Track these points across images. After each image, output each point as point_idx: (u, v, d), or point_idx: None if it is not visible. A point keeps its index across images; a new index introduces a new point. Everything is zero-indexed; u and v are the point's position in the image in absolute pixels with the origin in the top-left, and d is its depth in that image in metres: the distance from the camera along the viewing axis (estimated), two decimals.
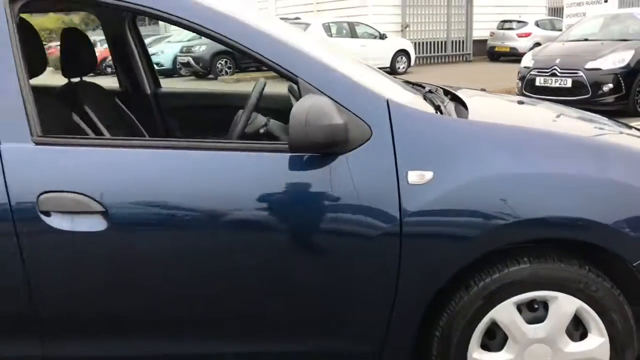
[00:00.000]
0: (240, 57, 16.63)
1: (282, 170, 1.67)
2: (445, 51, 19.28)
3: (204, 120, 2.98)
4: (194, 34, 16.69)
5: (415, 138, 1.69)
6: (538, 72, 8.39)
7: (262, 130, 2.03)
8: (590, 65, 7.93)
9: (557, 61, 8.25)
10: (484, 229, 1.66)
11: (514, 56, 18.10)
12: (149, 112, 3.01)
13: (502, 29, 19.34)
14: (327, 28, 15.20)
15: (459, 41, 19.60)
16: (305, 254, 1.72)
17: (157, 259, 1.68)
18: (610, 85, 7.77)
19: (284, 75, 1.72)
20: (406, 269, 1.69)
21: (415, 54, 17.14)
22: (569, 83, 8.00)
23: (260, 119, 2.09)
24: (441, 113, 1.86)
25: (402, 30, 18.10)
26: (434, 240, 1.69)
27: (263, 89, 2.07)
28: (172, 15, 1.68)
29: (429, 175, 1.65)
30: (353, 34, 15.55)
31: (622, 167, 1.79)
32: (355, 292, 1.73)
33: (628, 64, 7.79)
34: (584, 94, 7.81)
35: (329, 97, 1.61)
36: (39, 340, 1.74)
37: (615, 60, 7.86)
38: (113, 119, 2.60)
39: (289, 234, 1.70)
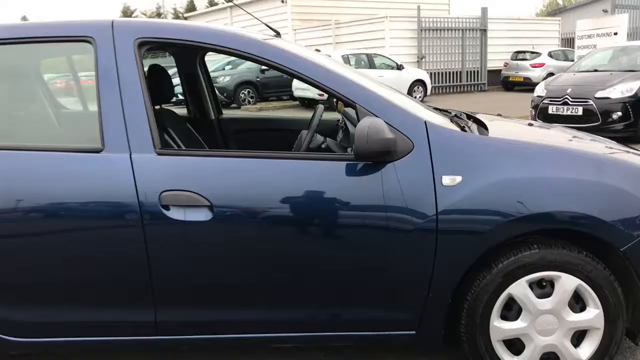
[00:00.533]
0: (262, 87, 17.40)
1: (344, 174, 2.17)
2: (460, 81, 19.83)
3: (257, 141, 3.51)
4: (217, 67, 17.54)
5: (447, 150, 2.19)
6: (550, 100, 8.87)
7: (323, 146, 2.53)
8: (600, 94, 8.40)
9: (569, 90, 8.73)
10: (501, 222, 2.14)
11: (528, 86, 18.64)
12: (213, 134, 3.54)
13: (516, 59, 19.92)
14: (346, 59, 15.83)
15: (474, 71, 20.15)
16: (362, 241, 2.20)
17: (250, 242, 2.17)
18: (619, 113, 8.22)
19: (344, 101, 2.24)
20: (440, 254, 2.16)
21: (432, 83, 17.68)
22: (579, 111, 8.46)
23: (319, 137, 2.60)
24: (466, 132, 2.36)
25: (418, 61, 18.71)
26: (462, 230, 2.16)
27: (322, 113, 2.58)
28: (266, 59, 2.23)
29: (458, 179, 2.14)
30: (371, 65, 16.15)
31: (616, 174, 2.26)
32: (402, 273, 2.21)
33: (635, 94, 8.24)
34: (594, 122, 8.26)
35: (381, 118, 2.11)
36: (153, 309, 2.23)
37: (624, 89, 8.32)
38: (186, 139, 3.12)
39: (348, 226, 2.18)
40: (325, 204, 2.17)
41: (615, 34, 12.78)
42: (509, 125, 2.95)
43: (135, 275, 2.19)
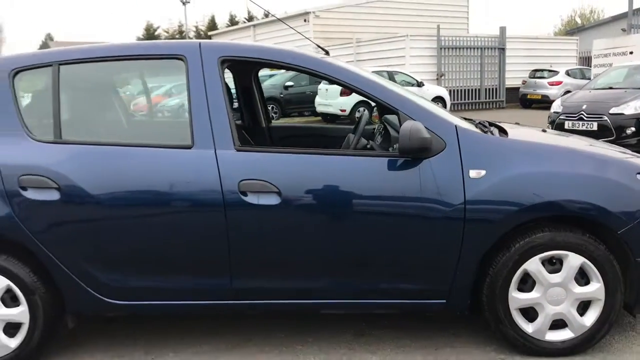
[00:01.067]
0: (285, 103, 18.01)
1: (386, 168, 2.65)
2: (479, 98, 20.29)
3: (301, 146, 4.01)
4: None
5: (474, 148, 2.66)
6: (566, 116, 9.29)
7: (368, 146, 3.02)
8: (614, 110, 8.81)
9: (584, 107, 9.15)
10: (518, 209, 2.60)
11: (546, 103, 18.98)
12: (264, 140, 4.06)
13: (534, 77, 20.32)
14: None
15: (492, 89, 20.60)
16: (401, 225, 2.67)
17: (311, 223, 2.66)
18: (633, 129, 8.61)
19: (389, 108, 2.73)
20: (467, 236, 2.63)
21: (451, 100, 18.15)
22: (594, 127, 8.87)
23: (363, 140, 3.09)
24: (488, 134, 2.84)
25: (437, 79, 19.21)
26: (485, 216, 2.62)
27: (367, 119, 3.08)
28: (329, 75, 2.75)
29: (483, 172, 2.61)
30: (392, 82, 16.66)
31: (615, 171, 2.72)
32: (435, 252, 2.67)
33: None
34: (609, 137, 8.64)
35: (420, 123, 2.60)
36: (229, 278, 2.72)
37: (637, 106, 8.71)
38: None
39: (390, 212, 2.66)
40: (371, 193, 2.65)
41: (631, 53, 13.18)
42: (526, 130, 3.42)
43: (217, 249, 2.68)
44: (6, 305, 2.75)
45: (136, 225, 2.69)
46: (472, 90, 20.20)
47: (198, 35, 48.39)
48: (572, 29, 34.97)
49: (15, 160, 2.68)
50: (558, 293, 2.69)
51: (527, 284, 2.71)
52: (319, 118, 17.31)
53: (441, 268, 2.71)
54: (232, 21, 47.09)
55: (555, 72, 19.94)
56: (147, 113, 3.20)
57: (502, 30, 20.48)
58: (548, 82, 19.71)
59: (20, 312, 2.74)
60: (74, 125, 2.84)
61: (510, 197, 2.61)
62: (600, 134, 8.76)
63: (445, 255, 2.68)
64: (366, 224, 2.67)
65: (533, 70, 20.57)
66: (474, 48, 20.16)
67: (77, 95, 2.94)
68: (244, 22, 41.52)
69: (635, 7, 18.92)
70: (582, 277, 2.70)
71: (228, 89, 3.20)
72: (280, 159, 2.70)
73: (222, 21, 49.00)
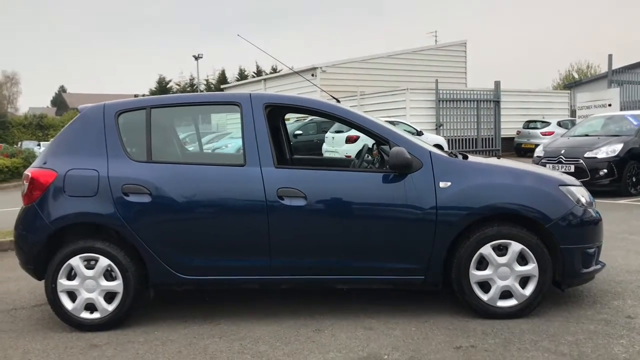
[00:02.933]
0: (294, 150, 19.20)
1: (381, 181, 3.77)
2: (476, 147, 21.49)
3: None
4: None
5: (443, 167, 3.78)
6: (547, 160, 10.45)
7: (369, 167, 4.14)
8: (588, 154, 9.98)
9: (562, 152, 10.32)
10: (473, 208, 3.70)
11: None
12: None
13: (528, 127, 21.56)
14: None
15: (488, 138, 21.82)
16: (392, 222, 3.76)
17: (329, 219, 3.76)
18: (605, 170, 9.75)
19: (382, 138, 3.88)
20: (439, 229, 3.72)
21: (449, 148, 19.30)
22: (572, 169, 10.00)
23: (364, 163, 4.22)
24: (454, 157, 3.97)
25: (436, 129, 20.48)
26: (451, 214, 3.72)
27: (368, 149, 4.22)
28: (342, 117, 3.93)
29: (449, 183, 3.73)
30: None
31: (544, 183, 3.83)
32: (416, 241, 3.76)
33: (618, 154, 9.81)
34: (584, 177, 9.75)
35: (404, 148, 3.73)
36: (268, 258, 3.80)
37: (608, 150, 9.89)
38: None
39: (384, 212, 3.76)
40: (371, 198, 3.77)
41: (609, 105, 14.45)
42: (483, 158, 4.56)
43: (261, 238, 3.77)
44: (107, 280, 3.83)
45: (203, 220, 3.80)
46: (469, 139, 21.39)
47: (209, 88, 50.39)
48: (570, 83, 36.54)
49: (120, 174, 3.82)
50: (505, 271, 3.75)
51: (482, 264, 3.77)
52: None
53: (420, 253, 3.78)
54: (242, 75, 49.23)
55: (548, 123, 21.17)
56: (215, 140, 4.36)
57: (497, 84, 21.90)
58: (541, 132, 20.90)
59: (117, 284, 3.82)
60: (161, 150, 4.01)
61: (467, 201, 3.71)
62: (576, 175, 9.86)
63: (424, 243, 3.75)
64: (367, 220, 3.76)
65: (527, 122, 21.82)
66: (470, 100, 21.51)
67: (163, 129, 4.14)
68: (253, 76, 43.47)
69: (621, 65, 20.53)
70: (522, 260, 3.76)
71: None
72: (306, 174, 3.85)
73: (231, 75, 51.29)
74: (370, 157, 4.52)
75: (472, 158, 4.19)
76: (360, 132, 3.98)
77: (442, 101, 20.86)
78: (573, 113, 24.84)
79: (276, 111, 4.97)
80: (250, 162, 3.81)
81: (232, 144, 21.28)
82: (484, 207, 3.70)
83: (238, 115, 3.94)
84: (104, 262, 3.80)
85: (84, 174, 3.82)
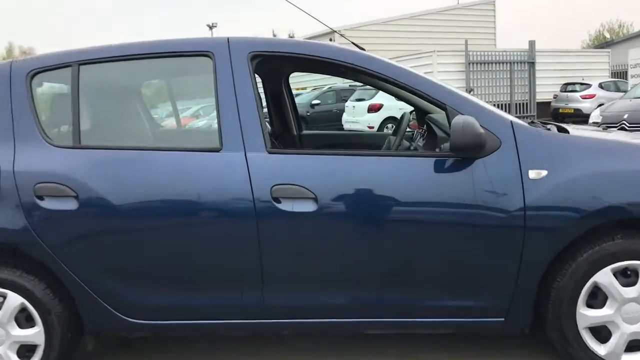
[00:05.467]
0: (311, 121, 17.83)
1: (433, 170, 2.38)
2: (509, 113, 19.78)
3: None
4: None
5: (533, 146, 2.37)
6: (607, 127, 8.87)
7: (411, 148, 2.76)
8: None
9: (626, 116, 8.75)
10: (586, 212, 2.29)
11: (579, 117, 18.47)
12: (295, 148, 3.82)
13: (566, 91, 19.81)
14: None
15: (523, 103, 20.15)
16: (452, 234, 2.38)
17: (351, 233, 2.39)
18: None
19: (436, 104, 2.47)
20: (529, 244, 2.33)
21: None
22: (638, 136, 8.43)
23: (404, 142, 2.82)
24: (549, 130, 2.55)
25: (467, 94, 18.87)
26: (548, 222, 2.32)
27: (409, 120, 2.81)
28: (369, 69, 2.50)
29: (544, 173, 2.32)
30: None
31: None
32: (491, 264, 2.38)
33: None
34: None
35: (473, 118, 2.32)
36: (260, 291, 2.46)
37: None
38: None
39: (440, 219, 2.38)
40: (418, 197, 2.38)
41: None
42: (588, 129, 3.11)
43: (248, 262, 2.42)
44: (21, 326, 2.53)
45: (160, 236, 2.46)
46: (502, 105, 19.71)
47: None
48: (601, 44, 34.33)
49: (30, 168, 2.48)
50: (634, 309, 2.35)
51: (597, 299, 2.39)
52: None
53: (498, 282, 2.40)
54: None
55: (588, 85, 19.39)
56: (172, 114, 2.99)
57: (532, 44, 20.07)
58: (580, 96, 19.16)
59: (36, 333, 2.52)
60: (94, 130, 2.64)
61: (576, 200, 2.30)
62: None
63: (503, 267, 2.38)
64: (412, 232, 2.39)
65: (564, 84, 20.07)
66: (503, 63, 19.79)
67: (99, 97, 2.76)
68: None
69: None
70: None
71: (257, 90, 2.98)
72: (317, 162, 2.46)
73: None
74: (411, 132, 3.11)
75: (573, 130, 2.76)
76: (401, 89, 2.57)
77: (473, 64, 19.16)
78: (613, 74, 22.98)
79: (274, 67, 3.56)
80: (229, 145, 2.45)
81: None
82: (604, 210, 2.30)
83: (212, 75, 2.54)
84: (13, 300, 2.50)
85: None
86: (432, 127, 2.87)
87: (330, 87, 18.43)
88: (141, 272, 2.48)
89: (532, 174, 2.33)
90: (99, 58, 2.61)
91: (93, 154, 2.50)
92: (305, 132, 3.95)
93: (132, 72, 2.82)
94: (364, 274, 2.44)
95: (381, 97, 14.75)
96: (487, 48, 21.55)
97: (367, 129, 15.28)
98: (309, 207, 2.37)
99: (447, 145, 2.52)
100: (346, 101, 16.28)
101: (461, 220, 2.36)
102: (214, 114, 2.51)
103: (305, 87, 21.04)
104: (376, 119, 14.90)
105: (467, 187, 2.34)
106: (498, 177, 2.33)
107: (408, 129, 3.16)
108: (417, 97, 2.64)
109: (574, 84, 19.92)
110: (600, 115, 9.28)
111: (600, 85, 19.47)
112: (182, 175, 2.44)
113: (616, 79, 20.77)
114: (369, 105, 14.78)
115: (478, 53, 19.32)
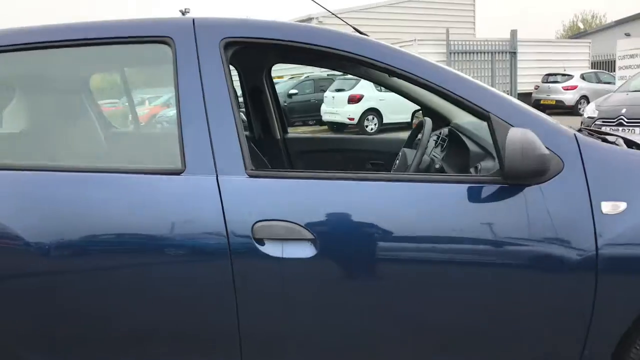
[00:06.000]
0: (289, 112, 17.15)
1: (472, 198, 1.75)
2: None
3: (326, 162, 3.11)
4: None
5: (606, 169, 1.77)
6: (603, 122, 8.41)
7: (437, 166, 2.13)
8: None
9: (623, 111, 8.27)
10: None
11: (561, 109, 18.17)
12: (279, 155, 3.16)
13: (547, 82, 19.45)
14: None
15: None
16: (499, 282, 1.77)
17: (363, 285, 1.76)
18: None
19: (474, 111, 1.83)
20: (601, 300, 1.73)
21: None
22: (637, 132, 7.98)
23: (425, 157, 2.19)
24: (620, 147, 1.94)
25: None
26: (629, 267, 1.73)
27: (431, 127, 2.18)
28: (378, 60, 1.85)
29: (622, 205, 1.71)
30: None
31: None
32: (554, 318, 1.77)
33: None
34: None
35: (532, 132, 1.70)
36: (239, 357, 1.82)
37: None
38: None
39: (484, 263, 1.76)
40: (455, 237, 1.75)
41: None
42: None
43: (220, 322, 1.78)
44: None
45: (97, 284, 1.79)
46: None
47: None
48: (575, 35, 34.16)
49: None
50: None
51: None
52: (325, 127, 16.43)
53: (562, 346, 1.80)
54: None
55: (570, 76, 19.06)
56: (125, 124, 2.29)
57: (513, 33, 19.61)
58: (562, 87, 18.82)
59: None
60: (7, 143, 1.95)
61: None
62: None
63: (566, 330, 1.77)
64: (447, 285, 1.76)
65: (546, 75, 19.72)
66: (484, 52, 19.30)
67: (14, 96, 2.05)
68: None
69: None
70: None
71: (234, 88, 2.32)
72: (316, 189, 1.80)
73: None
74: (436, 142, 2.45)
75: None
76: (422, 88, 1.92)
77: (454, 53, 18.62)
78: (593, 65, 22.73)
79: (254, 56, 2.89)
80: (194, 166, 1.78)
81: None
82: None
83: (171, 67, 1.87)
84: None
85: None
86: (458, 137, 2.24)
87: (307, 76, 17.71)
88: (69, 334, 1.82)
89: (606, 207, 1.72)
90: (13, 45, 1.91)
91: (4, 176, 1.81)
92: (290, 135, 3.28)
93: (59, 63, 2.10)
94: (378, 338, 1.80)
95: (361, 88, 14.14)
96: (466, 37, 21.06)
97: (348, 121, 14.65)
98: (305, 251, 1.72)
99: (487, 165, 1.91)
100: (324, 91, 15.59)
101: (510, 266, 1.74)
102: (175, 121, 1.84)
103: (282, 75, 20.26)
104: (356, 110, 14.29)
105: (520, 221, 1.72)
106: (561, 210, 1.72)
107: (437, 141, 2.51)
108: (442, 99, 2.01)
109: (555, 74, 19.58)
110: (596, 110, 8.79)
111: (582, 77, 19.18)
112: (128, 206, 1.77)
113: (597, 70, 20.50)
114: (349, 96, 14.15)
115: (459, 42, 18.81)
